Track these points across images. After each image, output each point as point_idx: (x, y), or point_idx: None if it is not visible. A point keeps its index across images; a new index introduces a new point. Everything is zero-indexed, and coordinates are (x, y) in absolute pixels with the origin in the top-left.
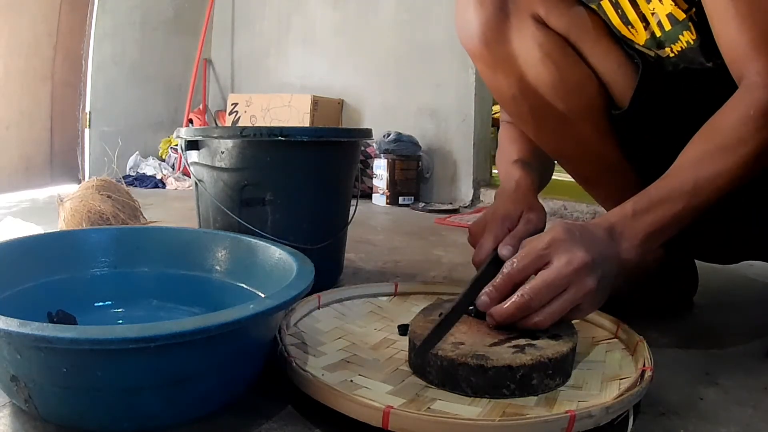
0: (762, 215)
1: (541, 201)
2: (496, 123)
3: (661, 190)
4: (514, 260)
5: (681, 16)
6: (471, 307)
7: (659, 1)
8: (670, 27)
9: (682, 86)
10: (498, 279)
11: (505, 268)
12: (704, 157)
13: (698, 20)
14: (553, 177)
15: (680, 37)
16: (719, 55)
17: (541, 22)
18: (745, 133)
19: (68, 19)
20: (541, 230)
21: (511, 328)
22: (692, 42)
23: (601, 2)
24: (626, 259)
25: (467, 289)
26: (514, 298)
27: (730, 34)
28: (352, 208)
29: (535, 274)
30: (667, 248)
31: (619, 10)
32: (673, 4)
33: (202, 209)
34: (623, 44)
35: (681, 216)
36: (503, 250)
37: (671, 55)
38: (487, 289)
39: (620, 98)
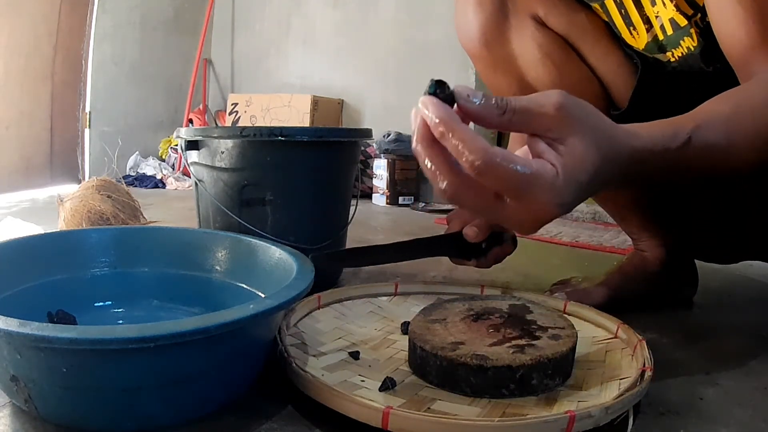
0: (762, 215)
1: None
2: None
3: (698, 137)
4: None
5: (683, 22)
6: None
7: (663, 5)
8: (671, 32)
9: (680, 87)
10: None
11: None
12: (736, 117)
13: (704, 26)
14: None
15: (681, 42)
16: (719, 60)
17: (540, 23)
18: None
19: (68, 19)
20: None
21: (511, 327)
22: (693, 48)
23: (605, 1)
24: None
25: (415, 240)
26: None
27: (737, 28)
28: (352, 208)
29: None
30: (667, 248)
31: (623, 11)
32: (676, 9)
33: (202, 209)
34: (623, 44)
35: (700, 174)
36: (467, 230)
37: (672, 59)
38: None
39: (619, 99)
